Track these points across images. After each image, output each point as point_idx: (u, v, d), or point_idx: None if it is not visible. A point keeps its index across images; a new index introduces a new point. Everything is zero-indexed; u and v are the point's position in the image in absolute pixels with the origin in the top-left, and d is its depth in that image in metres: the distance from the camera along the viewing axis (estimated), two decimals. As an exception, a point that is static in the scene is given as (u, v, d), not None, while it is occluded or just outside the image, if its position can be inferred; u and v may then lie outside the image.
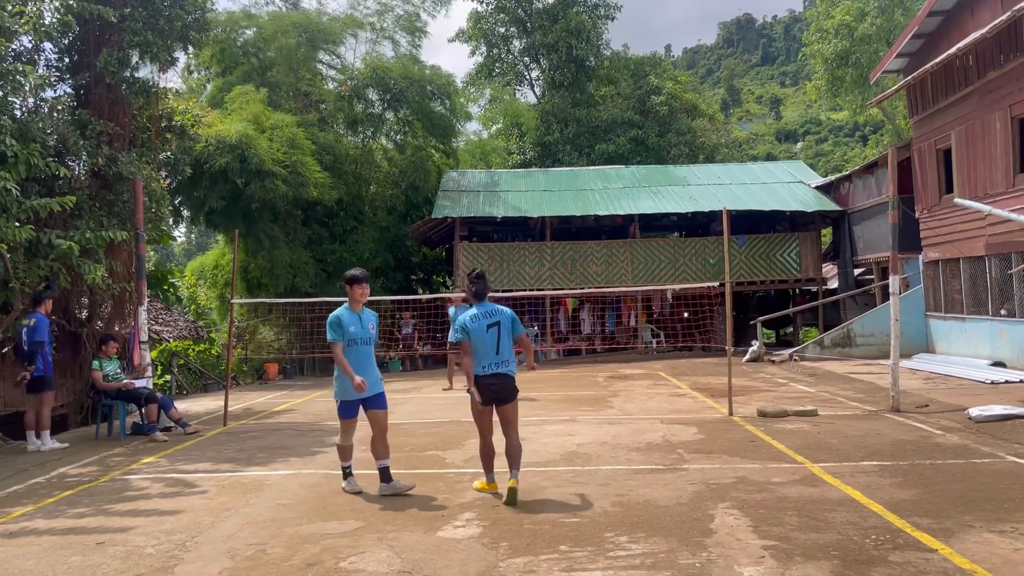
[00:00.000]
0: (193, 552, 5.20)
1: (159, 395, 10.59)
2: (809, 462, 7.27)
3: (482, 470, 6.65)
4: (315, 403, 13.31)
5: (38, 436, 9.58)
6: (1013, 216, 12.21)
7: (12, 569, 4.95)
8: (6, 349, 11.39)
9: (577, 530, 5.42)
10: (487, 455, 6.57)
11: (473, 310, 6.44)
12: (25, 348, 9.68)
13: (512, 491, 6.12)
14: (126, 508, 6.39)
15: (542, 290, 20.82)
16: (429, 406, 12.41)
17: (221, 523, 5.86)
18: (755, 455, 7.70)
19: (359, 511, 6.08)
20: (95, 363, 10.35)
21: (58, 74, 11.94)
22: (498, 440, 6.54)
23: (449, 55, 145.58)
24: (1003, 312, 14.08)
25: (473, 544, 5.20)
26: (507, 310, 6.53)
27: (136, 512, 6.25)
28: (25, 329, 9.68)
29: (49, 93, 11.62)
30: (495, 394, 6.36)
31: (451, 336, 13.32)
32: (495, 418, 6.51)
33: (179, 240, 61.91)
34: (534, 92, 36.58)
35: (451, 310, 14.11)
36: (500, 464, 6.52)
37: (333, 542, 5.33)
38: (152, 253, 20.38)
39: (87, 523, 5.98)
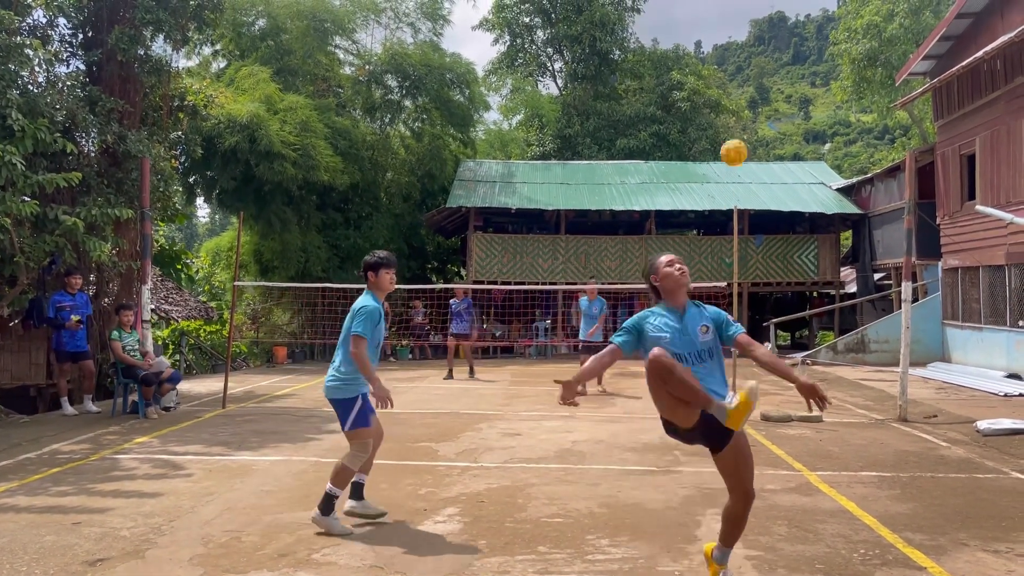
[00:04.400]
0: (168, 536, 5.13)
1: (172, 371, 10.63)
2: (807, 470, 7.10)
3: None
4: (317, 389, 13.19)
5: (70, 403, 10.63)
6: (1035, 225, 11.90)
7: (-17, 546, 4.91)
8: (13, 323, 11.46)
9: (559, 531, 5.29)
10: None
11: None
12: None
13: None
14: (109, 488, 6.34)
15: (555, 284, 20.66)
16: (430, 396, 12.34)
17: (201, 508, 5.79)
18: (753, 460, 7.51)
19: (341, 501, 5.98)
20: (114, 333, 10.26)
21: (71, 50, 11.94)
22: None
23: (473, 44, 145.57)
24: (1021, 323, 13.76)
25: (451, 541, 5.09)
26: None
27: (118, 493, 6.20)
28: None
29: (61, 69, 11.64)
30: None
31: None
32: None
33: (203, 220, 62.21)
34: (556, 84, 36.30)
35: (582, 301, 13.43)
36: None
37: (310, 532, 5.24)
38: (159, 234, 20.34)
39: (67, 502, 5.93)
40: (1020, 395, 11.82)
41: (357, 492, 5.52)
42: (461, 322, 14.97)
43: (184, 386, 13.07)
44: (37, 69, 10.76)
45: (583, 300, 13.26)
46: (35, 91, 10.42)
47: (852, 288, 23.12)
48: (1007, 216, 12.64)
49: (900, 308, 17.10)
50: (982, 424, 8.94)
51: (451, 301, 15.45)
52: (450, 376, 14.58)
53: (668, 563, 4.68)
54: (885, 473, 7.01)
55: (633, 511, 5.76)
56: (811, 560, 4.72)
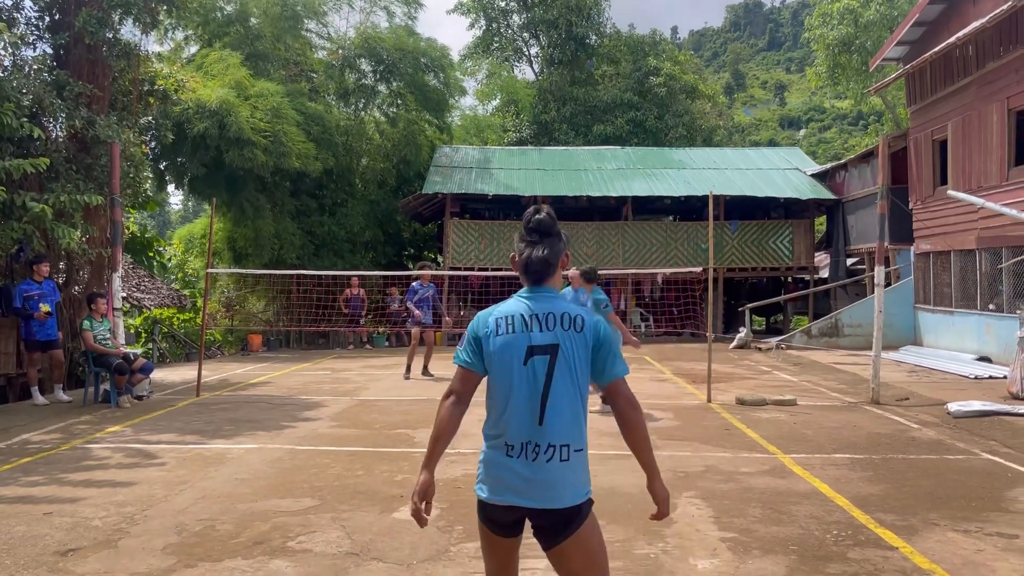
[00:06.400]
0: (140, 526, 5.08)
1: (144, 362, 10.50)
2: (781, 453, 7.16)
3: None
4: (292, 376, 13.17)
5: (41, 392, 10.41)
6: (1005, 210, 12.05)
7: (-50, 538, 4.82)
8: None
9: (535, 515, 5.29)
10: None
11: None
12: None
13: None
14: (81, 478, 6.26)
15: (531, 269, 20.61)
16: (407, 383, 12.29)
17: (175, 496, 5.74)
18: (728, 443, 7.59)
19: (317, 488, 5.96)
20: (85, 323, 10.12)
21: (37, 33, 11.69)
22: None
23: (448, 28, 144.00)
24: (991, 307, 13.96)
25: (427, 527, 5.06)
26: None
27: (90, 482, 6.12)
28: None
29: (28, 52, 11.38)
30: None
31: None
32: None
33: (176, 207, 61.43)
34: (532, 69, 36.17)
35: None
36: None
37: (285, 520, 5.21)
38: (131, 220, 20.00)
39: (38, 492, 5.85)
40: (990, 377, 12.00)
41: None
42: (428, 310, 13.39)
43: (157, 375, 12.93)
44: (2, 52, 10.53)
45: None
46: (0, 75, 10.19)
47: (826, 273, 23.33)
48: (978, 201, 12.80)
49: (873, 292, 17.33)
50: (953, 406, 9.07)
51: (414, 283, 13.64)
52: (409, 374, 12.83)
53: (644, 546, 4.70)
54: (858, 455, 7.09)
55: (610, 495, 5.77)
56: (785, 541, 4.77)
